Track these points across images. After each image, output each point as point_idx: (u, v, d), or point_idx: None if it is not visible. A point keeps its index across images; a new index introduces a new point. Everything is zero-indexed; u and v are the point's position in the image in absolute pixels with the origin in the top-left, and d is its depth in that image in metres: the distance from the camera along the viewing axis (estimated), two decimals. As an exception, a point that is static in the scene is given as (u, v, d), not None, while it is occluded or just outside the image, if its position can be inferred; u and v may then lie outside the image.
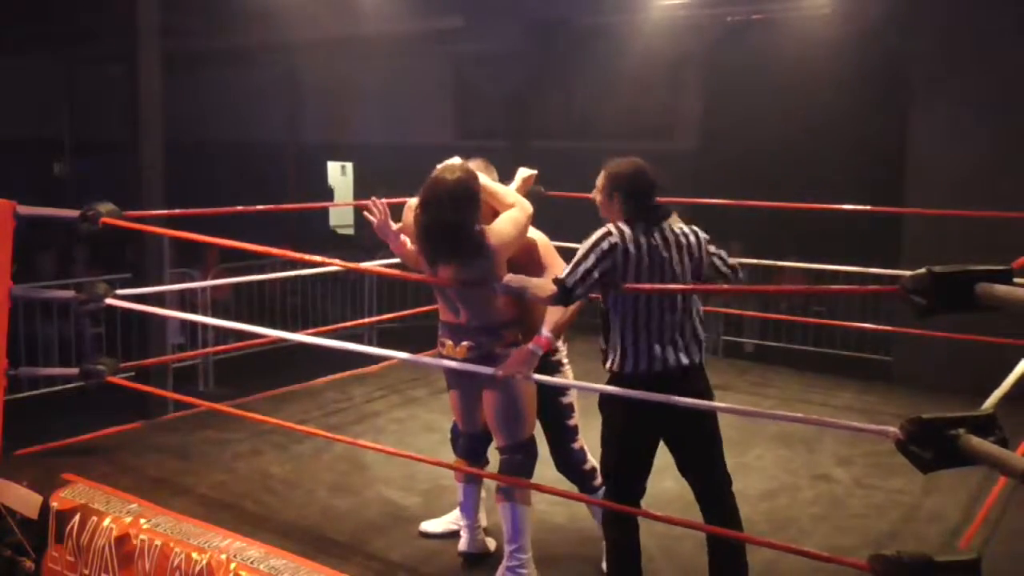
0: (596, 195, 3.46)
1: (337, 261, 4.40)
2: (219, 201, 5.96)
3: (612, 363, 3.33)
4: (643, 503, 3.43)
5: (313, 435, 4.62)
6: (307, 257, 4.26)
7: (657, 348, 3.25)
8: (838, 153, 8.90)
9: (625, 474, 3.39)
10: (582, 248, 3.25)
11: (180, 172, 7.21)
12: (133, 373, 5.75)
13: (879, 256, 6.38)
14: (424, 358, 4.09)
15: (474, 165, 3.70)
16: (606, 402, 3.36)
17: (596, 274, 3.22)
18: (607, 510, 3.44)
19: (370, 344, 7.79)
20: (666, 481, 4.48)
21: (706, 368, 3.40)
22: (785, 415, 3.30)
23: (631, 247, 3.24)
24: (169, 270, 7.18)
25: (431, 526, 4.12)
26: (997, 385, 3.61)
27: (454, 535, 3.93)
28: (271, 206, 6.05)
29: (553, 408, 3.79)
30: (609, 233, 3.26)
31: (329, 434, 4.49)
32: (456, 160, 3.67)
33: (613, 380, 3.34)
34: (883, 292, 2.96)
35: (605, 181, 3.41)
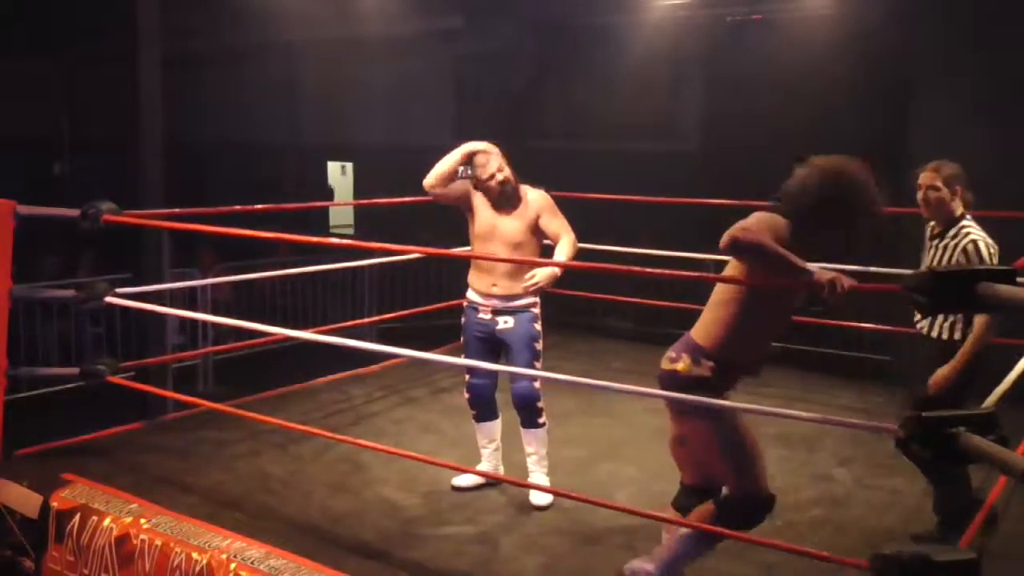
0: (933, 193, 4.02)
1: (346, 241, 4.43)
2: (218, 201, 5.94)
3: None
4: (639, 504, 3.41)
5: (313, 434, 4.61)
6: (311, 239, 4.35)
7: None
8: (838, 153, 8.87)
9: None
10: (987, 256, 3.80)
11: (179, 172, 7.19)
12: (133, 373, 5.74)
13: (879, 256, 6.36)
14: (425, 355, 4.08)
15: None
16: None
17: None
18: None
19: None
20: (659, 483, 4.50)
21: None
22: (785, 413, 3.29)
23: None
24: (168, 270, 7.16)
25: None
26: (997, 385, 3.61)
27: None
28: (271, 206, 6.04)
29: (530, 350, 4.30)
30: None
31: (329, 434, 4.48)
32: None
33: None
34: (884, 291, 2.95)
35: (946, 178, 3.97)
